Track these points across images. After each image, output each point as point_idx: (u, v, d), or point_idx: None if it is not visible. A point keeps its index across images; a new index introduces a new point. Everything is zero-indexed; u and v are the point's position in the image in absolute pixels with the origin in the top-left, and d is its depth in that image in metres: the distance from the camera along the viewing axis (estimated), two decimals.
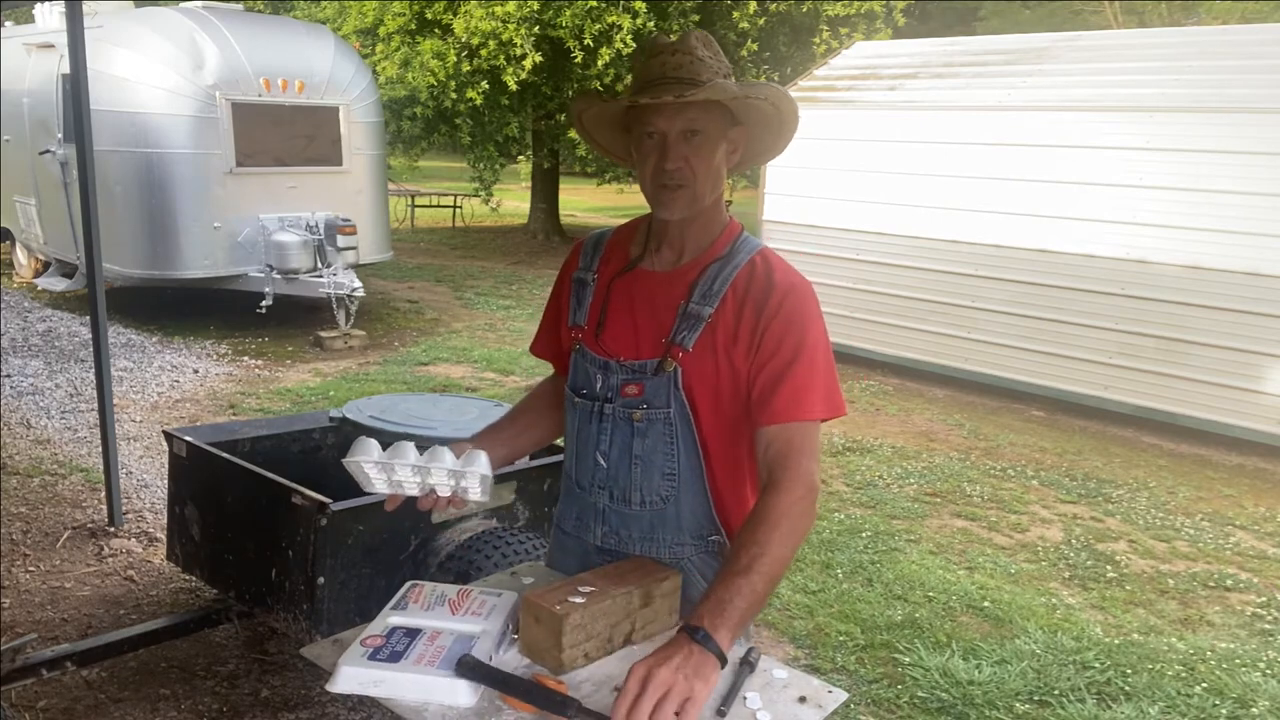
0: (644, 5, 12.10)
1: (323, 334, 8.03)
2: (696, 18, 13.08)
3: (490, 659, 1.48)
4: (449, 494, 1.65)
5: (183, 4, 8.60)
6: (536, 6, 12.05)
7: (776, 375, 1.56)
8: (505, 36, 12.19)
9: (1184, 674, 3.47)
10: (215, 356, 7.50)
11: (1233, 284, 6.13)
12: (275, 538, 2.84)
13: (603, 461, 1.68)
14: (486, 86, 12.69)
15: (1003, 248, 7.17)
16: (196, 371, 7.00)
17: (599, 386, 1.67)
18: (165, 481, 3.77)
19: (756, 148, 1.66)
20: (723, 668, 1.34)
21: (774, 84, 1.59)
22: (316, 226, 8.10)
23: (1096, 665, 3.48)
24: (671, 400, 1.61)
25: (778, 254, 1.67)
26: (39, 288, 9.21)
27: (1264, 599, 4.17)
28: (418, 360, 7.66)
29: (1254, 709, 3.25)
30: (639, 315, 1.65)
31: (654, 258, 1.69)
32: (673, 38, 1.58)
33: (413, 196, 17.61)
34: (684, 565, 1.70)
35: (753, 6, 12.84)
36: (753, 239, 1.69)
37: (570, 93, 13.38)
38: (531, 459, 3.35)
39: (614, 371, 1.65)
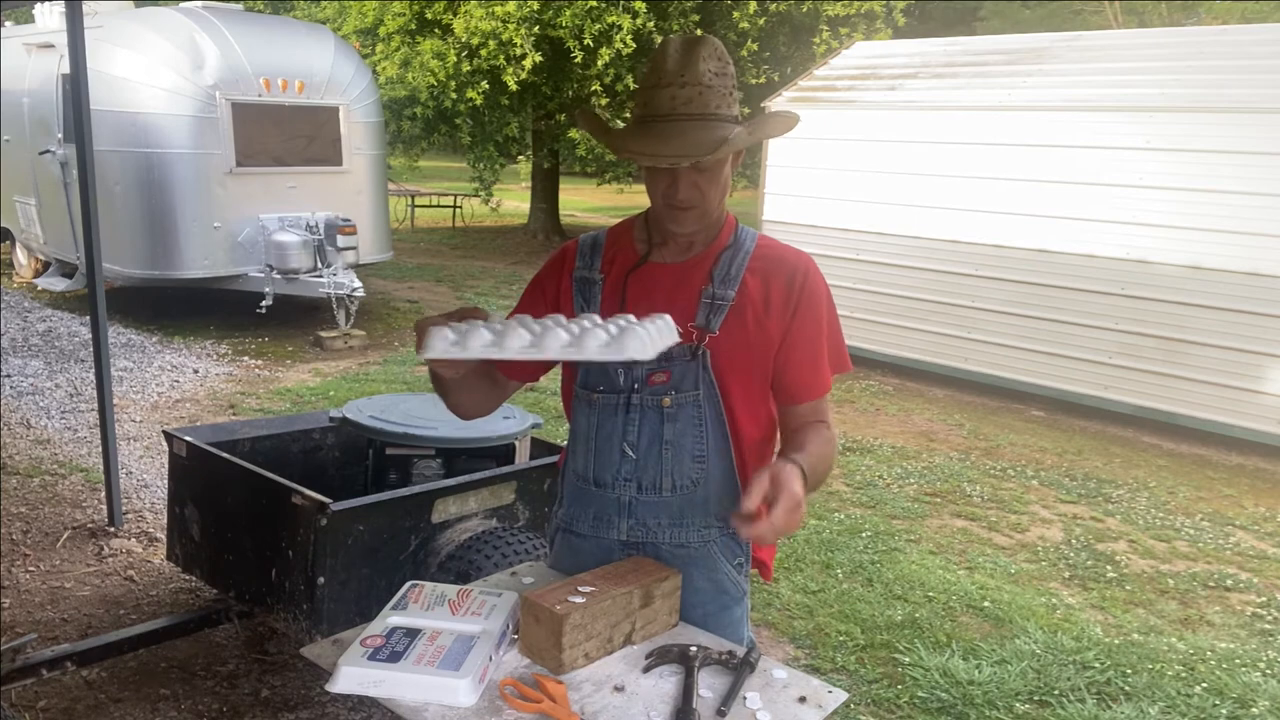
0: (644, 5, 12.10)
1: (323, 334, 8.03)
2: (696, 18, 13.08)
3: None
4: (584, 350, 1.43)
5: (183, 4, 8.60)
6: (536, 6, 12.05)
7: (810, 360, 1.69)
8: (505, 36, 12.20)
9: (1184, 674, 3.47)
10: (215, 356, 7.50)
11: (1233, 284, 6.13)
12: (275, 538, 2.84)
13: (631, 452, 1.70)
14: (486, 86, 12.69)
15: (1003, 248, 7.17)
16: (196, 371, 7.00)
17: (622, 380, 1.69)
18: (165, 481, 3.77)
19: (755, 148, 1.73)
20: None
21: (781, 113, 1.65)
22: (316, 226, 8.09)
23: (1096, 665, 3.48)
24: (700, 382, 1.66)
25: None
26: (39, 288, 9.21)
27: (1264, 599, 4.17)
28: (418, 360, 7.63)
29: (1254, 709, 3.25)
30: (659, 305, 1.67)
31: (662, 251, 1.73)
32: (678, 52, 1.55)
33: (413, 196, 17.61)
34: (709, 548, 1.72)
35: (753, 6, 12.84)
36: (748, 228, 1.77)
37: (570, 93, 13.38)
38: (532, 458, 3.36)
39: (638, 362, 1.67)
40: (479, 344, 1.41)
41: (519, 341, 1.41)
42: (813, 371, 1.69)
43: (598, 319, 1.49)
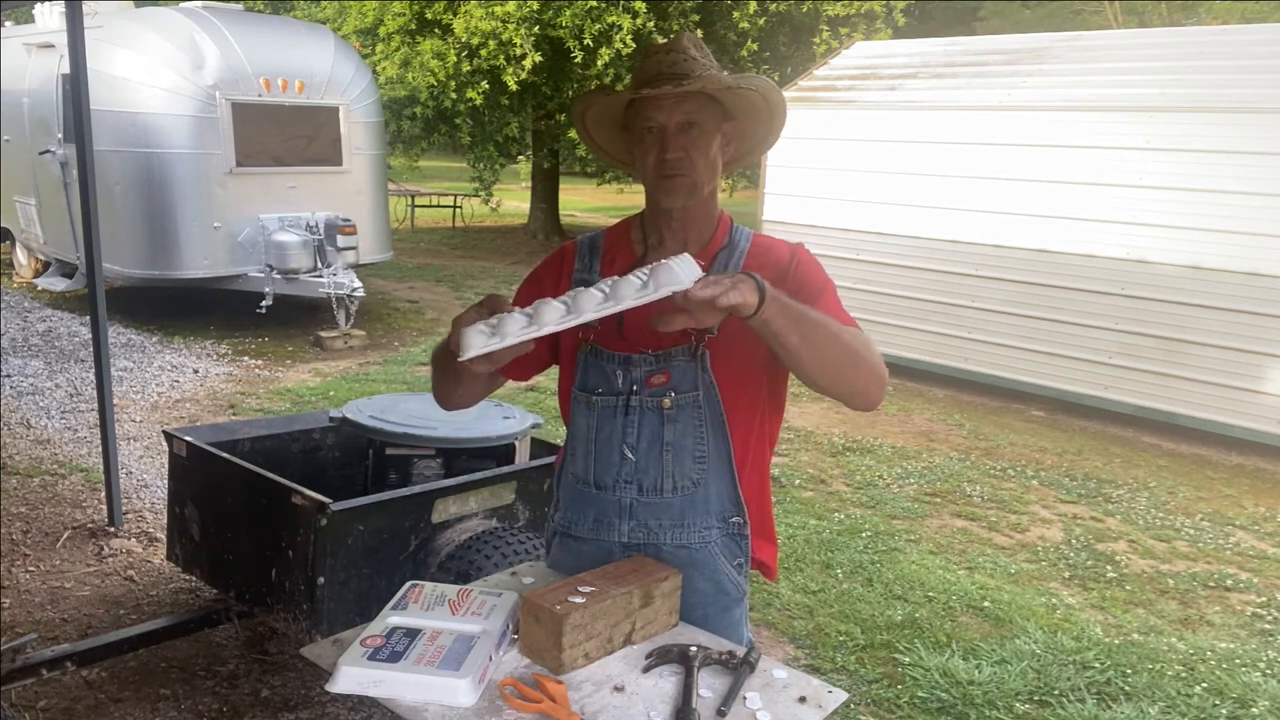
0: (644, 5, 12.10)
1: (323, 334, 8.03)
2: (696, 18, 13.08)
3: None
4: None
5: (183, 4, 8.60)
6: (536, 6, 12.05)
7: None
8: (505, 36, 12.20)
9: (1184, 674, 3.47)
10: (215, 356, 7.50)
11: (1233, 284, 6.13)
12: (275, 538, 2.84)
13: (630, 454, 1.70)
14: (486, 86, 12.69)
15: (1003, 248, 7.16)
16: (196, 371, 7.00)
17: (621, 382, 1.70)
18: (165, 481, 3.77)
19: (749, 142, 1.75)
20: (757, 308, 1.39)
21: (762, 76, 1.67)
22: (316, 226, 8.09)
23: (1096, 665, 3.48)
24: (699, 383, 1.67)
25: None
26: (39, 288, 9.21)
27: (1264, 599, 4.17)
28: (418, 360, 7.66)
29: (1254, 709, 3.25)
30: (656, 306, 1.67)
31: (659, 251, 1.72)
32: (664, 41, 1.65)
33: (413, 196, 17.60)
34: (709, 549, 1.73)
35: (753, 6, 12.84)
36: (743, 227, 1.78)
37: (570, 93, 13.38)
38: (532, 458, 3.36)
39: (637, 364, 1.69)
40: (515, 328, 1.38)
41: (554, 314, 1.38)
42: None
43: (614, 277, 1.46)
